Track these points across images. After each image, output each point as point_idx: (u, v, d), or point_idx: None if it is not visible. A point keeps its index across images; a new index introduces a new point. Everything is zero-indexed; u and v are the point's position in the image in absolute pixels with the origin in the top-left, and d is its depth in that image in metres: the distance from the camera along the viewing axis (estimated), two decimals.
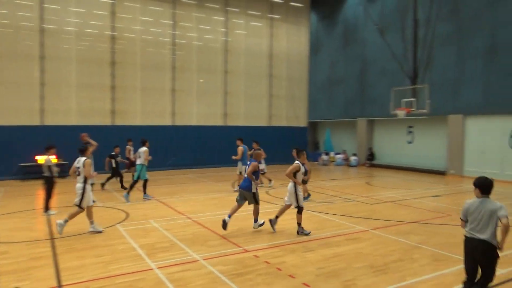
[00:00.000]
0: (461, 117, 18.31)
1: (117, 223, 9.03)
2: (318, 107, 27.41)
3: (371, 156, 23.54)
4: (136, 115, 20.23)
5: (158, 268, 6.16)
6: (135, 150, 13.36)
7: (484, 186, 4.78)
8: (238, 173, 13.74)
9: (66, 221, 8.00)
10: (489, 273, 4.77)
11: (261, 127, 24.19)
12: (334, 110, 26.22)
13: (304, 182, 11.90)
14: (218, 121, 22.81)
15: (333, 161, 25.16)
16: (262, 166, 14.32)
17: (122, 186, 13.95)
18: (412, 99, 17.16)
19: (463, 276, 4.94)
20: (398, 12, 19.01)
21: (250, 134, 23.16)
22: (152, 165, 19.96)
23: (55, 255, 6.78)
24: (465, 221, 4.89)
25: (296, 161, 8.48)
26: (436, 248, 7.34)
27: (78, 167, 8.21)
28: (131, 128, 19.71)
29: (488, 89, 17.16)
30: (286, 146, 23.94)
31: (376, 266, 6.36)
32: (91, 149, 11.22)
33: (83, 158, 8.25)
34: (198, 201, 12.04)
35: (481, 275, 4.84)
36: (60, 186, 12.61)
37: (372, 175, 19.36)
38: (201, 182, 16.56)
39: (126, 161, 15.41)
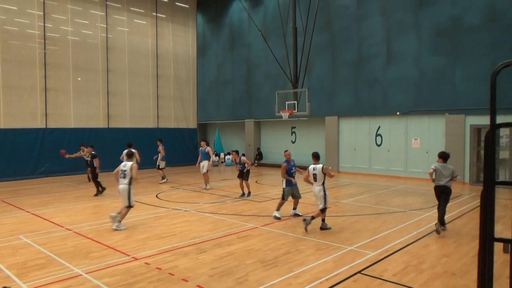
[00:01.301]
0: (336, 118, 20.34)
1: None
2: (207, 108, 27.53)
3: (259, 155, 24.53)
4: None
5: None
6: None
7: (443, 156, 8.29)
8: (205, 171, 14.68)
9: (119, 221, 8.79)
10: (446, 202, 8.30)
11: (149, 129, 23.22)
12: (223, 111, 26.64)
13: (246, 178, 12.92)
14: (100, 123, 21.15)
15: (222, 162, 25.53)
16: (163, 164, 16.86)
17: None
18: (294, 101, 18.38)
19: (342, 262, 6.05)
20: (279, 20, 20.17)
21: (136, 136, 22.23)
22: (20, 174, 17.84)
23: None
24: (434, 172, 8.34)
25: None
26: (318, 238, 7.98)
27: (125, 170, 8.93)
28: None
29: (357, 95, 19.39)
30: (176, 147, 23.55)
31: (266, 260, 6.61)
32: None
33: (130, 163, 9.06)
34: (78, 211, 10.99)
35: (441, 207, 8.25)
36: None
37: (260, 174, 20.18)
38: (81, 189, 15.19)
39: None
